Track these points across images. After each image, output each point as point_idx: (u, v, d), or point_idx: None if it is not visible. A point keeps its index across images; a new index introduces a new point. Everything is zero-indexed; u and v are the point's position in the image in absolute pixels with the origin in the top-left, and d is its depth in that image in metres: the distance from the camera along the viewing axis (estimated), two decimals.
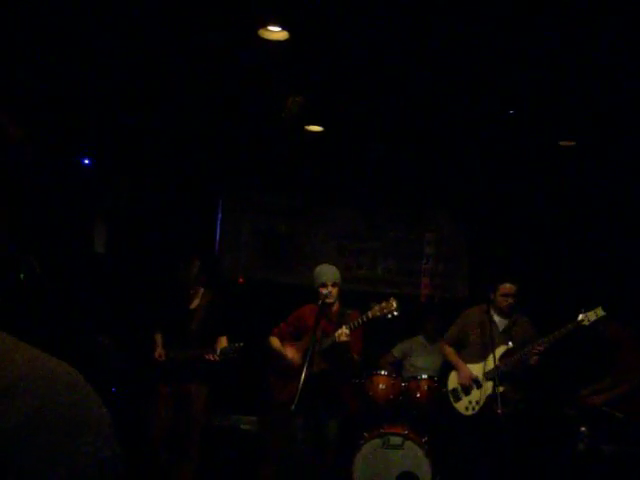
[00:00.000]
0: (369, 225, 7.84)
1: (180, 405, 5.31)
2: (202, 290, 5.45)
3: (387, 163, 7.12)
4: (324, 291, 4.97)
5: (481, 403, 5.26)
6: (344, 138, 6.57)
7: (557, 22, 3.91)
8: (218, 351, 5.18)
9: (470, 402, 5.36)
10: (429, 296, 7.72)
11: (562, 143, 6.05)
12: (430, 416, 5.79)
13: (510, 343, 5.26)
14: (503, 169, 6.90)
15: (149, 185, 7.44)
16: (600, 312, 4.96)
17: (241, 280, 7.83)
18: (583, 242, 7.02)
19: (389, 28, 4.18)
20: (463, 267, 7.74)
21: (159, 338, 5.43)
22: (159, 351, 5.33)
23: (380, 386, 5.71)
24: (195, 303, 5.42)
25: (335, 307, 5.12)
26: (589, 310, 4.99)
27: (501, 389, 4.98)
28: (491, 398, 5.11)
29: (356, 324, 4.85)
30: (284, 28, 4.25)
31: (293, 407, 4.34)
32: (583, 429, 5.32)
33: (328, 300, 4.97)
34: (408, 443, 5.32)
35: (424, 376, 5.87)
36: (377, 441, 5.36)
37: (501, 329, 5.38)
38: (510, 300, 5.31)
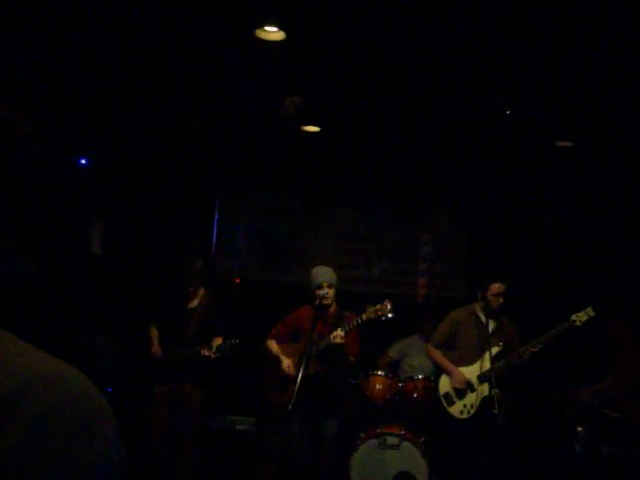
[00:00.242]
0: (366, 225, 7.83)
1: (176, 405, 5.30)
2: (202, 290, 5.45)
3: (385, 163, 7.12)
4: (320, 293, 4.96)
5: (476, 406, 5.20)
6: (341, 138, 6.57)
7: (555, 22, 3.91)
8: (214, 348, 5.18)
9: (465, 406, 5.29)
10: (425, 296, 7.72)
11: (559, 144, 6.06)
12: (427, 416, 5.79)
13: (499, 345, 5.24)
14: (501, 169, 6.90)
15: (146, 185, 7.42)
16: (590, 312, 4.97)
17: (237, 280, 7.82)
18: (582, 242, 7.02)
19: (386, 28, 4.18)
20: (460, 267, 7.75)
21: (155, 333, 5.41)
22: (155, 348, 5.32)
23: (377, 386, 5.71)
24: (194, 303, 5.41)
25: (332, 309, 5.12)
26: (579, 311, 5.00)
27: (496, 391, 4.98)
28: (486, 400, 5.09)
29: (351, 326, 4.86)
30: (281, 28, 4.25)
31: (290, 407, 4.34)
32: (580, 430, 5.32)
33: (325, 302, 4.97)
34: (405, 443, 5.31)
35: (420, 376, 5.86)
36: (374, 441, 5.36)
37: (491, 330, 5.34)
38: (501, 300, 5.29)
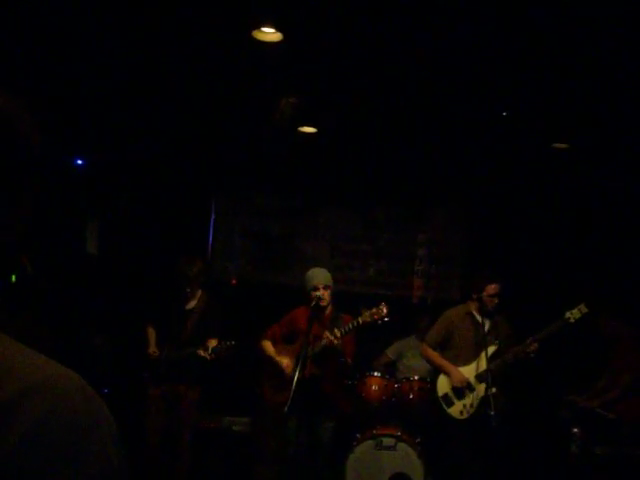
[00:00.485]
0: (363, 226, 7.84)
1: (172, 406, 5.30)
2: (200, 292, 5.44)
3: (382, 164, 7.13)
4: (316, 294, 4.96)
5: (475, 406, 5.18)
6: (338, 139, 6.57)
7: (553, 23, 3.92)
8: (210, 349, 5.17)
9: (465, 406, 5.25)
10: (421, 297, 7.73)
11: (555, 145, 6.07)
12: (423, 417, 5.79)
13: (495, 344, 5.24)
14: (498, 172, 6.91)
15: (142, 186, 7.42)
16: (584, 309, 4.97)
17: (234, 281, 7.81)
18: (578, 243, 7.04)
19: (383, 28, 4.19)
20: (456, 269, 7.76)
21: (152, 334, 5.41)
22: (152, 348, 5.32)
23: (373, 387, 5.71)
24: (192, 304, 5.40)
25: (328, 310, 5.11)
26: (573, 308, 5.01)
27: (494, 390, 4.97)
28: (484, 400, 5.08)
29: (347, 329, 4.86)
30: (278, 30, 4.25)
31: (286, 409, 4.34)
32: (576, 431, 5.33)
33: (322, 303, 4.97)
34: (401, 444, 5.32)
35: (416, 377, 5.87)
36: (370, 442, 5.36)
37: (486, 329, 5.33)
38: (496, 300, 5.28)
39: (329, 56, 4.66)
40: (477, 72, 4.72)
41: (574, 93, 4.91)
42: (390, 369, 6.36)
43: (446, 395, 5.35)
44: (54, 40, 4.42)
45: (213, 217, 7.85)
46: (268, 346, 5.23)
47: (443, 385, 5.39)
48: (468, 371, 5.27)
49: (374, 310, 4.84)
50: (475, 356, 5.19)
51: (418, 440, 5.46)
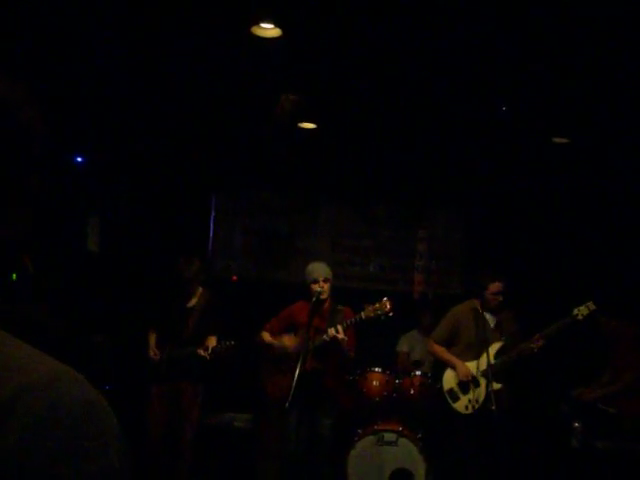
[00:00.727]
0: (363, 222, 7.83)
1: (174, 404, 5.31)
2: (200, 290, 5.45)
3: (382, 160, 7.12)
4: (317, 288, 4.97)
5: (480, 401, 5.19)
6: (338, 136, 6.56)
7: (552, 19, 3.91)
8: (209, 349, 5.18)
9: (470, 401, 5.28)
10: (422, 293, 7.73)
11: (556, 140, 6.06)
12: (424, 412, 5.80)
13: (501, 340, 5.26)
14: (499, 167, 6.91)
15: (142, 183, 7.42)
16: (592, 306, 4.99)
17: (234, 278, 7.82)
18: (578, 240, 7.03)
19: (382, 24, 4.18)
20: (457, 264, 7.76)
21: (152, 338, 5.43)
22: (153, 350, 5.34)
23: (374, 383, 5.72)
24: (193, 302, 5.42)
25: (327, 303, 5.12)
26: (581, 305, 5.02)
27: (499, 386, 4.99)
28: (489, 395, 5.09)
29: (349, 323, 4.86)
30: (277, 25, 4.24)
31: (287, 404, 4.35)
32: (577, 425, 5.34)
33: (322, 297, 4.98)
34: (402, 440, 5.32)
35: (418, 373, 5.87)
36: (371, 438, 5.37)
37: (492, 325, 5.37)
38: (500, 298, 5.30)
39: (329, 52, 4.65)
40: (476, 68, 4.71)
41: (574, 87, 4.91)
42: (393, 364, 6.37)
43: (452, 390, 5.38)
44: (53, 37, 4.41)
45: (213, 214, 7.85)
46: (266, 335, 5.25)
47: (449, 380, 5.41)
48: (473, 367, 5.28)
49: (377, 305, 4.84)
50: (480, 352, 5.20)
51: (419, 435, 5.46)
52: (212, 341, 5.33)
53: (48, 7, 3.99)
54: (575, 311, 5.01)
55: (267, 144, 6.83)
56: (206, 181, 7.73)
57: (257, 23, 4.21)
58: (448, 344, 5.48)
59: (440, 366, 5.59)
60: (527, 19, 3.94)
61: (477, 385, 5.26)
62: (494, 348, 5.23)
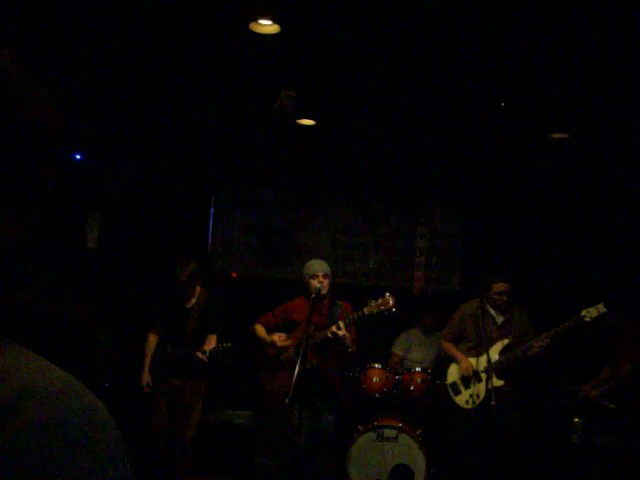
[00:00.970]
0: (363, 218, 7.82)
1: (177, 402, 5.33)
2: (199, 289, 5.45)
3: (381, 156, 7.12)
4: (316, 283, 4.95)
5: (481, 396, 5.25)
6: (337, 132, 6.56)
7: (551, 12, 3.90)
8: (207, 352, 5.19)
9: (471, 395, 5.35)
10: (422, 289, 7.73)
11: (555, 136, 6.06)
12: (424, 409, 5.81)
13: (508, 338, 5.27)
14: (499, 162, 6.90)
15: (142, 181, 7.41)
16: (602, 308, 4.97)
17: (234, 274, 7.81)
18: (578, 235, 7.03)
19: (381, 19, 4.17)
20: (458, 260, 7.75)
21: (152, 341, 5.44)
22: (146, 379, 5.36)
23: (374, 379, 5.73)
24: (192, 302, 5.42)
25: (325, 300, 5.11)
26: (591, 306, 5.00)
27: (501, 383, 5.01)
28: (490, 392, 5.11)
29: (352, 319, 4.85)
30: (275, 22, 4.23)
31: (287, 401, 4.34)
32: (577, 421, 5.34)
33: (322, 292, 4.96)
34: (402, 436, 5.33)
35: (418, 369, 5.88)
36: (371, 434, 5.38)
37: (499, 323, 5.40)
38: (504, 298, 5.32)
39: (327, 48, 4.64)
40: (475, 63, 4.70)
41: (573, 82, 4.90)
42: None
43: (454, 383, 5.48)
44: (52, 33, 4.40)
45: (213, 211, 7.84)
46: (259, 329, 5.22)
47: (452, 373, 5.53)
48: (479, 362, 5.35)
49: (380, 301, 4.83)
50: (486, 349, 5.22)
51: (419, 431, 5.47)
52: (211, 341, 5.34)
53: (46, 6, 3.98)
54: (584, 312, 5.00)
55: (266, 141, 6.83)
56: (206, 177, 7.72)
57: (255, 19, 4.20)
58: (457, 340, 5.58)
59: (448, 362, 5.69)
60: (525, 14, 3.93)
61: (479, 381, 5.31)
62: (499, 346, 5.25)
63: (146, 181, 7.43)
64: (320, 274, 5.02)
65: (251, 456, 5.83)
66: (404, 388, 5.76)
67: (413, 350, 6.49)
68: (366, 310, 4.85)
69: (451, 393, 5.48)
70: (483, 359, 5.27)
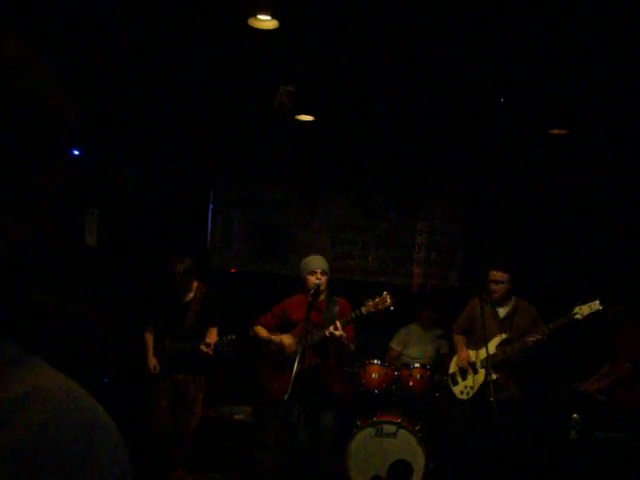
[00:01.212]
0: (362, 214, 7.81)
1: (178, 397, 5.35)
2: (196, 283, 5.48)
3: (380, 151, 7.11)
4: (314, 280, 4.94)
5: (475, 388, 5.33)
6: (336, 127, 6.55)
7: (551, 8, 3.90)
8: (212, 346, 5.21)
9: (465, 387, 5.44)
10: (421, 285, 7.73)
11: (554, 132, 6.05)
12: (423, 404, 5.82)
13: (505, 333, 5.28)
14: (498, 158, 6.89)
15: (141, 177, 7.40)
16: (595, 306, 4.94)
17: (233, 271, 7.81)
18: (581, 230, 7.02)
19: (380, 15, 4.17)
20: (456, 256, 7.75)
21: (150, 337, 5.45)
22: (152, 363, 5.35)
23: (373, 375, 5.73)
24: (189, 296, 5.45)
25: (323, 296, 5.11)
26: (584, 303, 4.99)
27: (494, 377, 5.01)
28: (485, 385, 5.14)
29: (349, 319, 4.86)
30: (274, 17, 4.22)
31: (286, 397, 4.35)
32: (576, 416, 5.35)
33: (321, 288, 4.96)
34: (401, 431, 5.34)
35: (416, 365, 5.89)
36: (370, 430, 5.39)
37: (502, 316, 5.40)
38: (499, 287, 5.31)
39: (326, 44, 4.64)
40: (474, 59, 4.70)
41: (572, 78, 4.90)
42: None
43: (453, 374, 5.57)
44: (49, 30, 4.39)
45: (212, 207, 7.84)
46: (261, 330, 5.23)
47: (453, 364, 5.63)
48: (477, 355, 5.41)
49: (378, 300, 4.83)
50: (485, 342, 5.24)
51: (418, 427, 5.48)
52: (212, 335, 5.36)
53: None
54: (576, 309, 4.99)
55: (265, 137, 6.82)
56: (204, 174, 7.71)
57: (254, 15, 4.19)
58: (466, 333, 5.64)
59: (453, 354, 5.79)
60: (524, 11, 3.93)
61: (475, 373, 5.39)
62: (497, 339, 5.26)
63: (145, 178, 7.42)
64: (318, 270, 5.01)
65: (251, 452, 5.84)
66: (403, 384, 5.77)
67: (411, 345, 6.49)
68: (364, 309, 4.85)
69: (450, 384, 5.57)
70: (482, 352, 5.29)
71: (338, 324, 4.78)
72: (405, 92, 5.48)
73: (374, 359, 5.84)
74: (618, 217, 6.77)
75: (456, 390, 5.50)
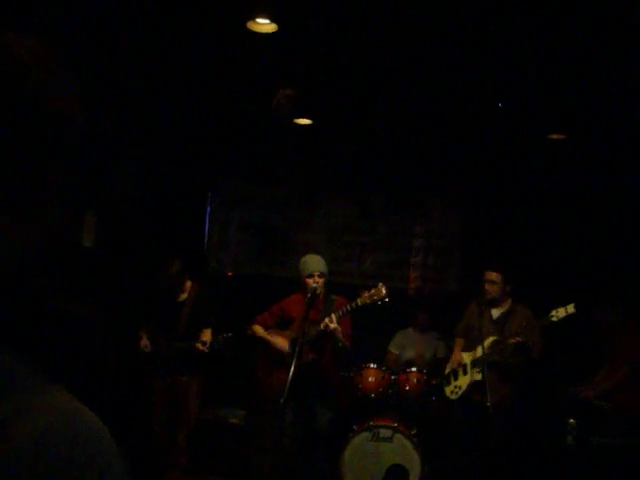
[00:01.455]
0: (360, 218, 7.81)
1: (176, 397, 5.34)
2: (189, 283, 5.48)
3: (378, 154, 7.11)
4: (312, 283, 4.93)
5: (463, 388, 5.41)
6: (334, 130, 6.55)
7: (548, 13, 3.91)
8: (207, 343, 5.21)
9: (455, 387, 5.52)
10: (418, 289, 7.72)
11: (552, 137, 6.06)
12: (419, 408, 5.82)
13: (495, 335, 5.28)
14: (496, 162, 6.90)
15: (138, 179, 7.39)
16: (571, 309, 4.99)
17: (230, 273, 7.80)
18: (579, 233, 7.02)
19: (378, 19, 4.17)
20: (454, 260, 7.75)
21: (144, 337, 5.45)
22: (144, 342, 5.37)
23: (369, 379, 5.72)
24: (183, 296, 5.46)
25: (320, 295, 5.09)
26: (560, 307, 5.03)
27: (479, 377, 5.08)
28: (474, 386, 5.24)
29: (344, 311, 4.84)
30: (273, 20, 4.23)
31: (282, 400, 4.33)
32: (572, 421, 5.34)
33: (318, 291, 4.95)
34: (397, 436, 5.33)
35: (413, 369, 5.88)
36: (366, 434, 5.37)
37: (495, 318, 5.42)
38: (493, 287, 5.33)
39: (324, 47, 4.64)
40: (473, 63, 4.70)
41: (570, 83, 4.90)
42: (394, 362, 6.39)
43: (448, 375, 5.65)
44: (49, 30, 4.39)
45: (209, 209, 7.83)
46: (259, 329, 5.22)
47: (449, 366, 5.70)
48: (468, 356, 5.47)
49: (373, 291, 4.81)
50: (477, 344, 5.27)
51: (414, 431, 5.47)
52: (207, 335, 5.35)
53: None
54: (552, 312, 5.05)
55: (263, 139, 6.82)
56: (202, 176, 7.71)
57: (253, 18, 4.20)
58: (465, 336, 5.67)
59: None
60: (523, 15, 3.93)
61: (465, 374, 5.46)
62: (488, 341, 5.26)
63: (142, 179, 7.41)
64: (316, 274, 5.00)
65: (247, 455, 5.83)
66: (400, 388, 5.76)
67: (408, 349, 6.49)
68: (359, 301, 4.83)
69: (444, 383, 5.66)
70: (472, 353, 5.40)
71: (333, 317, 4.77)
72: (404, 94, 5.48)
73: (371, 363, 5.83)
74: (617, 219, 6.77)
75: (447, 390, 5.59)
